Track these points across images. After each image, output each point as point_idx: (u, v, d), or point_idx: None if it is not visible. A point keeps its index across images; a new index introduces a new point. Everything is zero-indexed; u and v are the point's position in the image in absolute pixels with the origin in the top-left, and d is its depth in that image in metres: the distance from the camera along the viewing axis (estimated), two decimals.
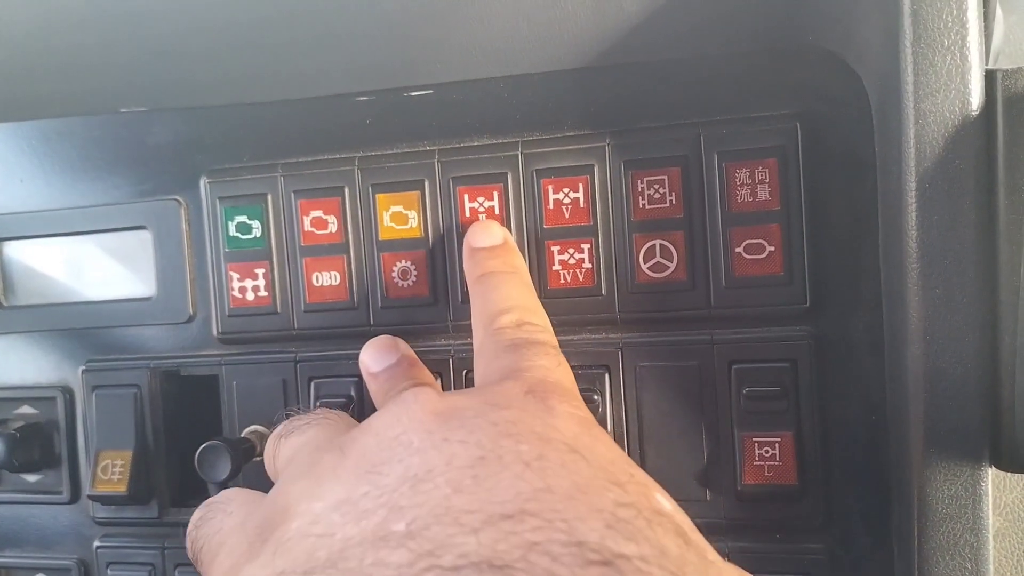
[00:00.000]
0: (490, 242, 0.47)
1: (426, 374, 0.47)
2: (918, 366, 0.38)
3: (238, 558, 0.29)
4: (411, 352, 0.48)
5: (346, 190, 0.50)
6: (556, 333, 0.48)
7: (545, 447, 0.28)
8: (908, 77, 0.37)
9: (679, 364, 0.47)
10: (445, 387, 0.50)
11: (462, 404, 0.32)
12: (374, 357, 0.47)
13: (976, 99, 0.36)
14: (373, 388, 0.47)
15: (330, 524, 0.26)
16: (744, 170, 0.45)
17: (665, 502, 0.28)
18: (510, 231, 0.48)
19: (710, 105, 0.46)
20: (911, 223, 0.38)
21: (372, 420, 0.33)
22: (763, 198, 0.45)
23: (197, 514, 0.37)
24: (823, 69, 0.45)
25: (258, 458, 0.51)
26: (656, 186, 0.46)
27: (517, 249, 0.48)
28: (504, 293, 0.43)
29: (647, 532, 0.25)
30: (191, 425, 0.56)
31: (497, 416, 0.30)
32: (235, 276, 0.52)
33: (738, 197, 0.45)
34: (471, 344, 0.49)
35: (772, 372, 0.45)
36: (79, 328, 0.56)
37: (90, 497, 0.54)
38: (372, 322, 0.51)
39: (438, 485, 0.26)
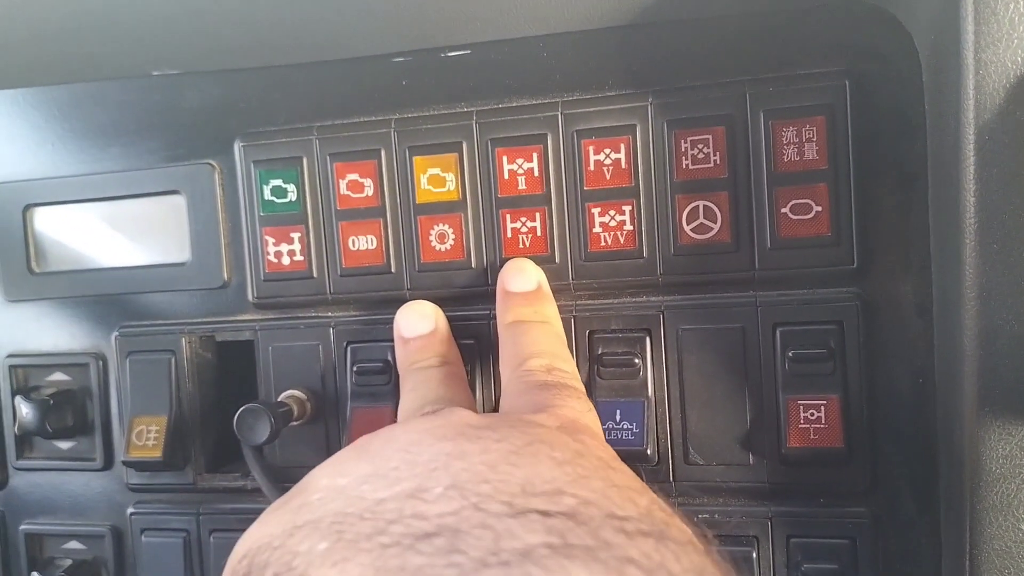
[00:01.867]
0: (524, 287, 0.46)
1: (455, 352, 0.47)
2: (973, 324, 0.38)
3: (252, 528, 0.28)
4: (446, 325, 0.48)
5: (382, 153, 0.50)
6: (596, 297, 0.48)
7: (578, 456, 0.28)
8: (968, 26, 0.36)
9: (722, 327, 0.46)
10: (481, 353, 0.50)
11: (496, 420, 0.32)
12: (409, 322, 0.47)
13: None
14: (400, 354, 0.47)
15: (360, 491, 0.26)
16: (791, 129, 0.44)
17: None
18: (549, 193, 0.48)
19: (756, 62, 0.45)
20: (969, 177, 0.37)
21: (403, 422, 0.33)
22: (810, 157, 0.44)
23: None
24: (872, 25, 0.44)
25: (295, 422, 0.50)
26: (700, 146, 0.46)
27: (551, 296, 0.47)
28: (534, 339, 0.43)
29: (681, 530, 0.25)
30: (226, 391, 0.55)
31: (530, 430, 0.30)
32: (270, 240, 0.52)
33: (784, 156, 0.45)
34: None
35: (818, 334, 0.45)
36: (112, 294, 0.56)
37: (124, 463, 0.54)
38: (409, 286, 0.50)
39: (473, 463, 0.26)
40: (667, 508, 0.26)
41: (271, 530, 0.26)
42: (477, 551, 0.21)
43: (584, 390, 0.41)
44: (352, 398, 0.51)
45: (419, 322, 0.47)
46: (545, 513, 0.23)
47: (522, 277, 0.47)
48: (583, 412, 0.37)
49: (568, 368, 0.42)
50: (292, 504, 0.27)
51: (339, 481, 0.27)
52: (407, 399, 0.42)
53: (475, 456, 0.26)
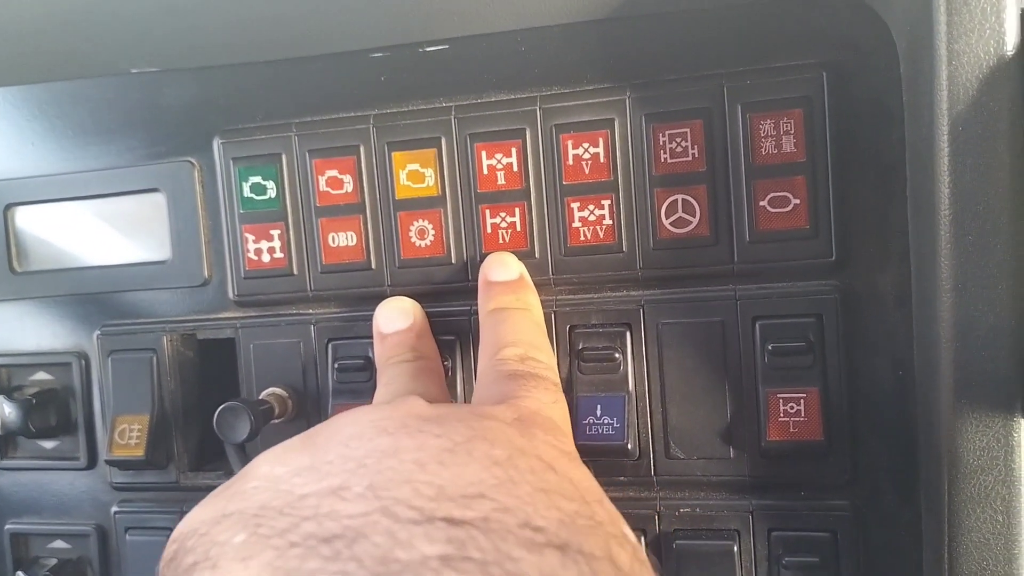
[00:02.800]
0: (506, 276, 0.46)
1: (431, 347, 0.47)
2: (948, 315, 0.38)
3: (192, 510, 0.29)
4: (424, 321, 0.48)
5: (361, 149, 0.50)
6: (576, 292, 0.48)
7: (518, 455, 0.28)
8: (941, 17, 0.36)
9: (702, 321, 0.46)
10: (462, 349, 0.50)
11: (446, 412, 0.32)
12: (387, 318, 0.47)
13: (1012, 39, 0.35)
14: (378, 350, 0.47)
15: (290, 484, 0.26)
16: (769, 121, 0.44)
17: (630, 533, 0.28)
18: (528, 188, 0.48)
19: (734, 55, 0.45)
20: (943, 168, 0.37)
21: (354, 409, 0.33)
22: (788, 150, 0.44)
23: None
24: (849, 17, 0.44)
25: (276, 420, 0.50)
26: (678, 139, 0.45)
27: (532, 285, 0.47)
28: (512, 327, 0.43)
29: (602, 542, 0.25)
30: (208, 389, 0.55)
31: (477, 424, 0.30)
32: (250, 238, 0.52)
33: (762, 149, 0.44)
34: None
35: (797, 327, 0.45)
36: (93, 293, 0.56)
37: (107, 462, 0.54)
38: (389, 283, 0.50)
39: (403, 461, 0.26)
40: (597, 515, 0.26)
41: (203, 515, 0.26)
42: (371, 559, 0.21)
43: (557, 381, 0.41)
44: (333, 395, 0.51)
45: (397, 318, 0.47)
46: (451, 521, 0.23)
47: (504, 268, 0.47)
48: (547, 404, 0.37)
49: (543, 358, 0.42)
50: (230, 491, 0.28)
51: (277, 470, 0.28)
52: (380, 393, 0.42)
53: (408, 453, 0.27)
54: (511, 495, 0.25)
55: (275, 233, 0.51)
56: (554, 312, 0.48)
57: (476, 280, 0.49)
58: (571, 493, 0.27)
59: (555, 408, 0.37)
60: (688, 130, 0.45)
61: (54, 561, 0.57)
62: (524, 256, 0.48)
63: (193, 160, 0.53)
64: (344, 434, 0.29)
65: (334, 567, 0.21)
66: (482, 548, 0.22)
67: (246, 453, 0.49)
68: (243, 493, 0.27)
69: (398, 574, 0.21)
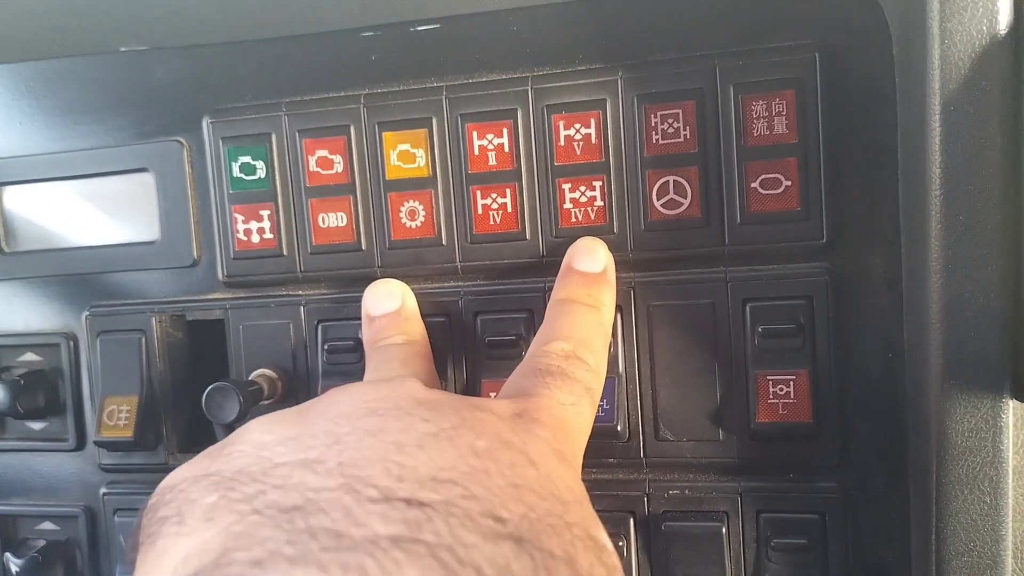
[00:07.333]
0: (588, 268, 0.44)
1: (420, 330, 0.47)
2: (938, 296, 0.38)
3: (180, 467, 0.29)
4: (413, 303, 0.48)
5: (352, 129, 0.49)
6: None
7: (502, 448, 0.28)
8: None
9: (693, 303, 0.46)
10: (453, 329, 0.49)
11: (442, 399, 0.31)
12: (375, 300, 0.47)
13: (1004, 17, 0.35)
14: (366, 332, 0.47)
15: (273, 452, 0.27)
16: (761, 102, 0.44)
17: (604, 538, 0.27)
18: (519, 169, 0.47)
19: (726, 35, 0.45)
20: (935, 148, 0.36)
21: (351, 385, 0.33)
22: (780, 131, 0.44)
23: None
24: None
25: (265, 401, 0.50)
26: (670, 120, 0.45)
27: (612, 283, 0.45)
28: (570, 322, 0.41)
29: (566, 541, 0.25)
30: (197, 370, 0.55)
31: (468, 414, 0.30)
32: (240, 218, 0.51)
33: (754, 130, 0.44)
34: (481, 286, 0.49)
35: (787, 309, 0.45)
36: (82, 273, 0.55)
37: (96, 443, 0.54)
38: (379, 264, 0.50)
39: (384, 441, 0.26)
40: (569, 515, 0.26)
41: (187, 473, 0.27)
42: (324, 534, 0.22)
43: (594, 386, 0.39)
44: (323, 376, 0.51)
45: (385, 300, 0.47)
46: (411, 502, 0.23)
47: (590, 257, 0.44)
48: (565, 405, 0.35)
49: (591, 360, 0.39)
50: (217, 452, 0.28)
51: (264, 438, 0.28)
52: (369, 377, 0.42)
53: (390, 434, 0.27)
54: (482, 485, 0.25)
55: (265, 214, 0.51)
56: (547, 294, 0.48)
57: (465, 261, 0.49)
58: (546, 491, 0.26)
59: (570, 410, 0.35)
60: (680, 111, 0.45)
61: (42, 543, 0.57)
62: (515, 239, 0.48)
63: (182, 140, 0.53)
64: (335, 411, 0.29)
65: (286, 537, 0.22)
66: (437, 532, 0.22)
67: None
68: (227, 456, 0.27)
69: (348, 550, 0.21)
